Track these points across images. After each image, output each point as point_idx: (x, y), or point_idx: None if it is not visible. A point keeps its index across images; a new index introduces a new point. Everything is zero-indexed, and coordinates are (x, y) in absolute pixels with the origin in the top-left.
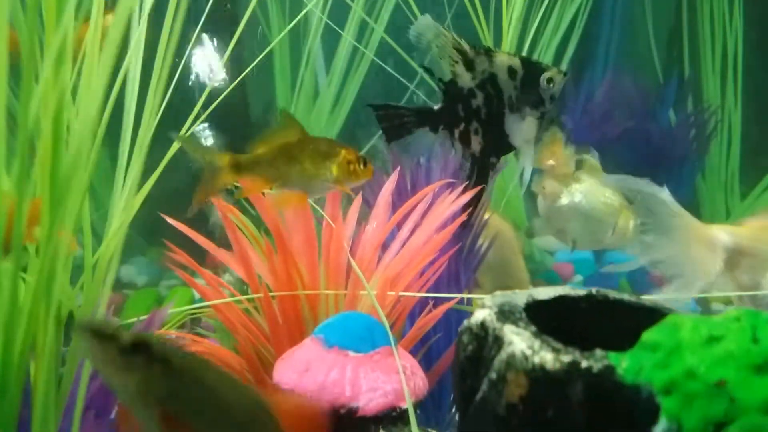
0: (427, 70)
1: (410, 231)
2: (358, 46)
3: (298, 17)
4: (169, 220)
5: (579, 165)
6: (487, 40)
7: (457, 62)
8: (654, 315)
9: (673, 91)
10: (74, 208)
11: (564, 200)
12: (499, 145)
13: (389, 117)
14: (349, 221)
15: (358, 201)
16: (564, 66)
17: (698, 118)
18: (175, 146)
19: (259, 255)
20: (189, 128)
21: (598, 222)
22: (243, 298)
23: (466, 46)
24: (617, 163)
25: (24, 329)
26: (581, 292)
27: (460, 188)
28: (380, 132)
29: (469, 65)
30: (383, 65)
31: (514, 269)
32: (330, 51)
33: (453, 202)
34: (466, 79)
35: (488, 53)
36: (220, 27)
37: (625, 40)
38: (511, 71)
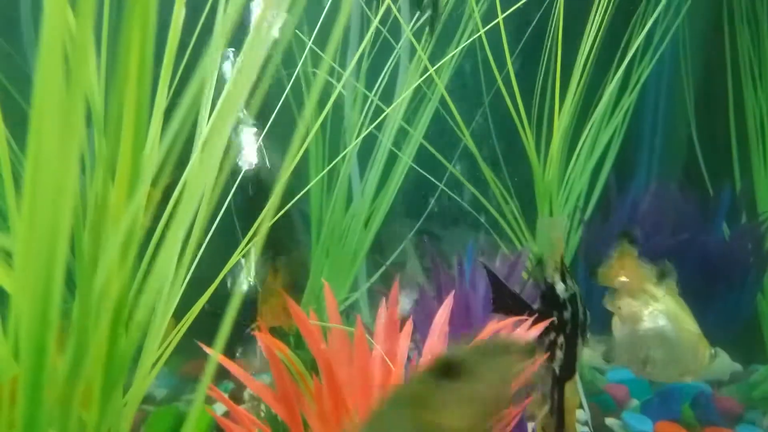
0: (539, 262)
1: None
2: (396, 152)
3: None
4: (208, 350)
5: (662, 276)
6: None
7: (557, 270)
8: None
9: (726, 202)
10: None
11: (647, 324)
12: (571, 367)
13: (503, 295)
14: (401, 355)
15: (408, 329)
16: (605, 173)
17: (755, 230)
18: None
19: (306, 396)
20: None
21: (683, 350)
22: None
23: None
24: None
25: None
26: None
27: (528, 322)
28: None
29: (563, 277)
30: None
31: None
32: (365, 156)
33: (522, 337)
34: (560, 289)
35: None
36: None
37: (670, 147)
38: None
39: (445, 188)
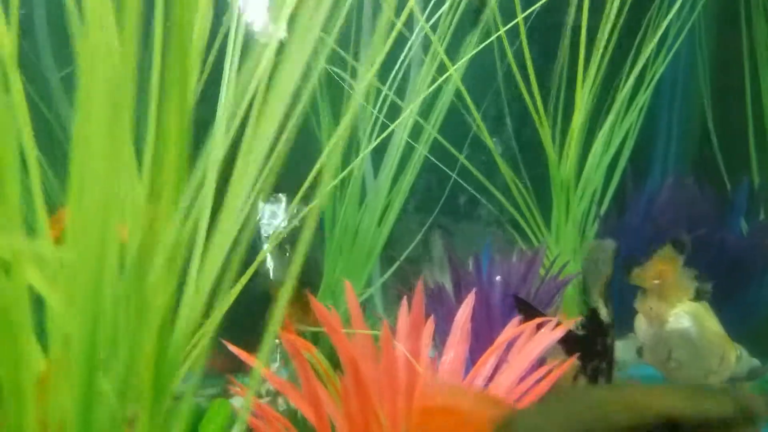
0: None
1: (493, 367)
2: (413, 143)
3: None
4: (232, 348)
5: (699, 295)
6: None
7: (601, 294)
8: None
9: (744, 197)
10: None
11: (673, 324)
12: None
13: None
14: (425, 354)
15: (429, 327)
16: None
17: None
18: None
19: (333, 396)
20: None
21: (707, 352)
22: None
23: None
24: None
25: None
26: None
27: (554, 322)
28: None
29: (606, 302)
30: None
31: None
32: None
33: (548, 336)
34: (604, 314)
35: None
36: None
37: (686, 142)
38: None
39: (461, 181)
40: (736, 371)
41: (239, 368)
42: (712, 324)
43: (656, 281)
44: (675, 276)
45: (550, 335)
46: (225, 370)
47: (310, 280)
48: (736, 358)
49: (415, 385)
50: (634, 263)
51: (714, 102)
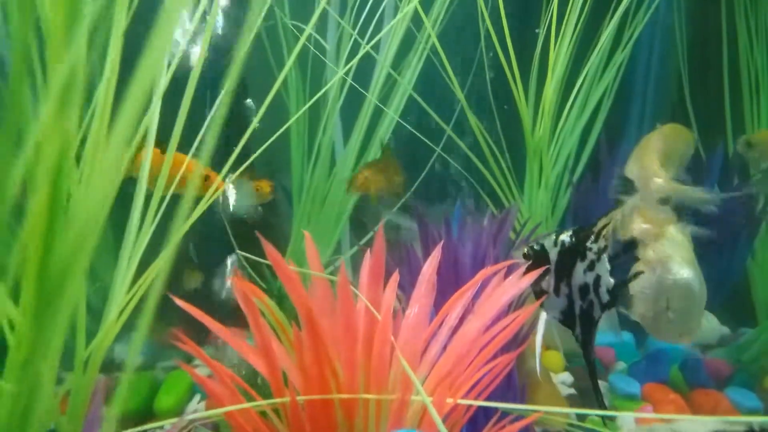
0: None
1: (459, 317)
2: (382, 107)
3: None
4: (177, 301)
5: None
6: (520, 99)
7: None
8: None
9: (717, 164)
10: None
11: (676, 274)
12: None
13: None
14: (386, 304)
15: (394, 280)
16: (596, 133)
17: (746, 194)
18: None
19: (286, 347)
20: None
21: (699, 306)
22: (265, 403)
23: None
24: None
25: None
26: None
27: (521, 269)
28: (399, 204)
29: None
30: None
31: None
32: (350, 115)
33: (514, 285)
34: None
35: None
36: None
37: (661, 107)
38: None
39: (431, 144)
40: (707, 338)
41: (204, 340)
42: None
43: (644, 225)
44: (655, 212)
45: (516, 284)
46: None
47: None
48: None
49: (374, 333)
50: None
51: (691, 65)
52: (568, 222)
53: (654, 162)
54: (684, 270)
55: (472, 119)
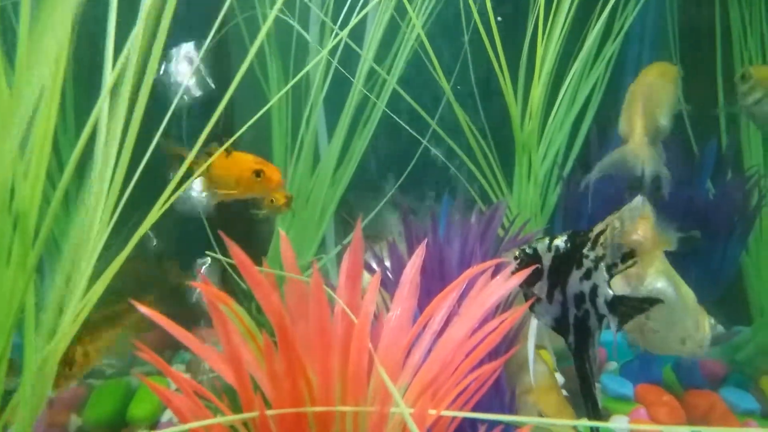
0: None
1: (443, 320)
2: (369, 95)
3: (301, 74)
4: (141, 308)
5: (688, 242)
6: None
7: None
8: None
9: (711, 158)
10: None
11: (649, 285)
12: None
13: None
14: (365, 308)
15: (376, 280)
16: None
17: (740, 188)
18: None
19: (255, 354)
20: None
21: (684, 314)
22: (231, 419)
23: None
24: None
25: None
26: None
27: (509, 269)
28: (386, 198)
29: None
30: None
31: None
32: (333, 110)
33: (502, 285)
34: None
35: None
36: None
37: None
38: None
39: (419, 138)
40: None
41: (179, 344)
42: (684, 286)
43: (637, 238)
44: (652, 230)
45: (504, 284)
46: (164, 346)
47: (259, 246)
48: (709, 324)
49: (351, 339)
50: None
51: (683, 59)
52: (558, 218)
53: (637, 120)
54: (658, 281)
55: (460, 113)
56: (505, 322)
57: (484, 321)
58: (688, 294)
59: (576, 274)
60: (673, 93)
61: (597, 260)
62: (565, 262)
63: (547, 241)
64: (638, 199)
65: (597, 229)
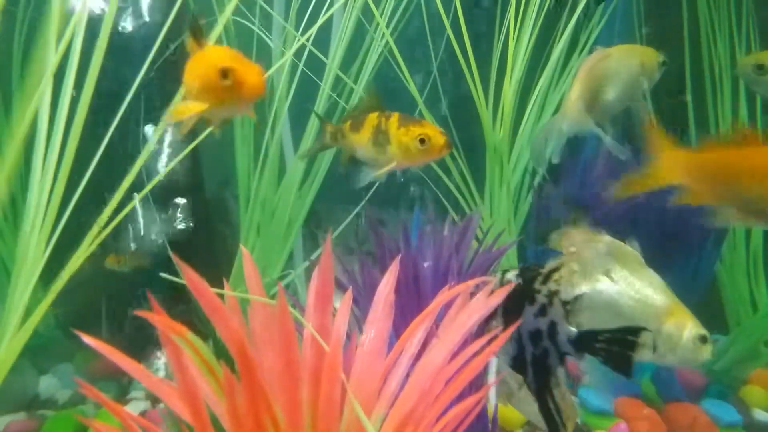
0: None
1: (420, 343)
2: (339, 99)
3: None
4: (86, 339)
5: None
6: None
7: None
8: None
9: None
10: None
11: (585, 287)
12: None
13: None
14: (336, 333)
15: (347, 300)
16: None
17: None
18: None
19: (214, 388)
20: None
21: (643, 321)
22: None
23: None
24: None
25: None
26: None
27: (489, 286)
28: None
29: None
30: None
31: None
32: (298, 120)
33: (482, 304)
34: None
35: None
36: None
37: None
38: None
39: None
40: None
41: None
42: (645, 294)
43: (572, 249)
44: (589, 250)
45: (485, 302)
46: (121, 373)
47: (220, 263)
48: (694, 337)
49: (322, 369)
50: (555, 227)
51: None
52: (530, 227)
53: (576, 86)
54: (597, 285)
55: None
56: (485, 352)
57: (464, 344)
58: (649, 301)
59: (530, 310)
60: (636, 73)
61: (551, 295)
62: (518, 297)
63: (499, 274)
64: (602, 248)
65: (550, 266)
